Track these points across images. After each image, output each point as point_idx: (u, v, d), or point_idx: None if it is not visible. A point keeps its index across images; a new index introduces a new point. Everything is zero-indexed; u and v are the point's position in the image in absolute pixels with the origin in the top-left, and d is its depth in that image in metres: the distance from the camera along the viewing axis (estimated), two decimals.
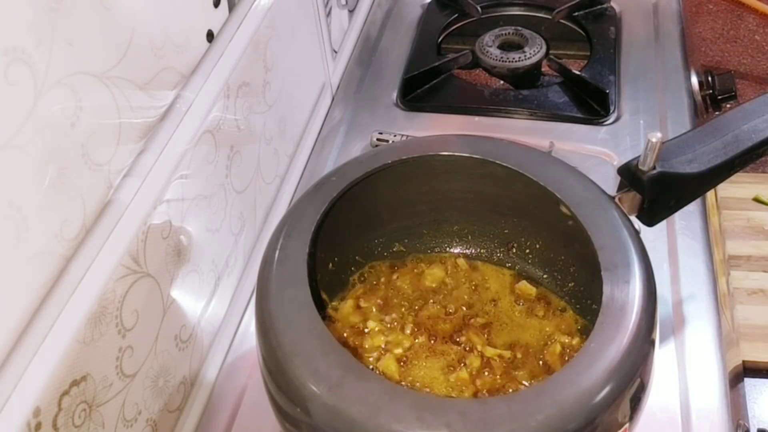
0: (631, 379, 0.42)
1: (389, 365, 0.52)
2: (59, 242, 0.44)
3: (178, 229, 0.56)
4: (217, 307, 0.64)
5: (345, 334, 0.54)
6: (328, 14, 0.88)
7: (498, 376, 0.51)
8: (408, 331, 0.54)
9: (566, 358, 0.52)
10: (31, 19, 0.40)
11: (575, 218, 0.50)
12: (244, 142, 0.67)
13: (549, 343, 0.54)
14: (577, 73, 0.88)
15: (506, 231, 0.61)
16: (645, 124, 0.83)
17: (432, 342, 0.54)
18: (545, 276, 0.60)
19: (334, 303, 0.57)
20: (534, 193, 0.53)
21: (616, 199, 0.52)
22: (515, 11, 1.03)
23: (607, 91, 0.85)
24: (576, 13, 1.00)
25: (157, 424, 0.55)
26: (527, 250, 0.60)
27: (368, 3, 1.05)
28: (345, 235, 0.58)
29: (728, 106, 0.90)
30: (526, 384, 0.51)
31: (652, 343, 0.45)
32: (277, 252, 0.49)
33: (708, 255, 0.70)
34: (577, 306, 0.57)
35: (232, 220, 0.65)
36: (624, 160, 0.53)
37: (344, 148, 0.84)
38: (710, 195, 0.84)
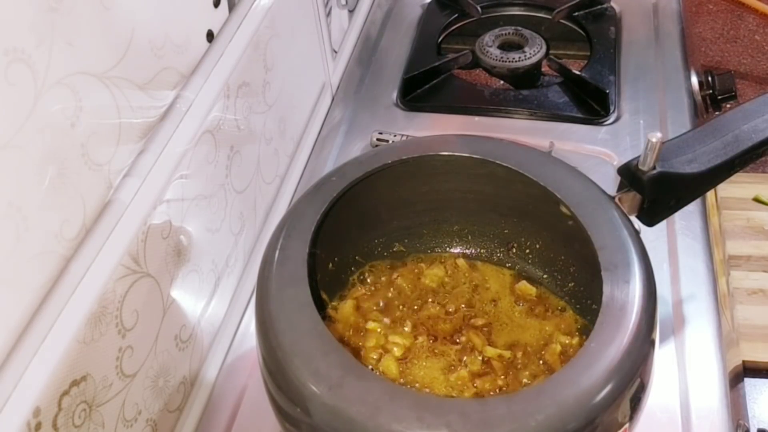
0: (631, 379, 0.42)
1: (389, 365, 0.52)
2: (59, 242, 0.44)
3: (178, 229, 0.56)
4: (217, 307, 0.64)
5: (345, 334, 0.54)
6: (328, 14, 0.88)
7: (498, 376, 0.51)
8: (408, 331, 0.54)
9: (566, 358, 0.52)
10: (31, 19, 0.40)
11: (575, 218, 0.50)
12: (244, 142, 0.67)
13: (549, 343, 0.54)
14: (577, 73, 0.88)
15: (506, 231, 0.61)
16: (645, 124, 0.83)
17: (432, 342, 0.54)
18: (545, 276, 0.60)
19: (334, 303, 0.57)
20: (534, 193, 0.53)
21: (616, 199, 0.52)
22: (515, 11, 1.03)
23: (607, 91, 0.85)
24: (576, 13, 1.00)
25: (157, 424, 0.55)
26: (527, 250, 0.60)
27: (368, 3, 1.05)
28: (345, 235, 0.58)
29: (728, 106, 0.90)
30: (526, 384, 0.51)
31: (652, 343, 0.45)
32: (277, 252, 0.49)
33: (708, 255, 0.70)
34: (577, 306, 0.57)
35: (232, 220, 0.65)
36: (624, 160, 0.53)
37: (344, 148, 0.84)
38: (710, 195, 0.84)
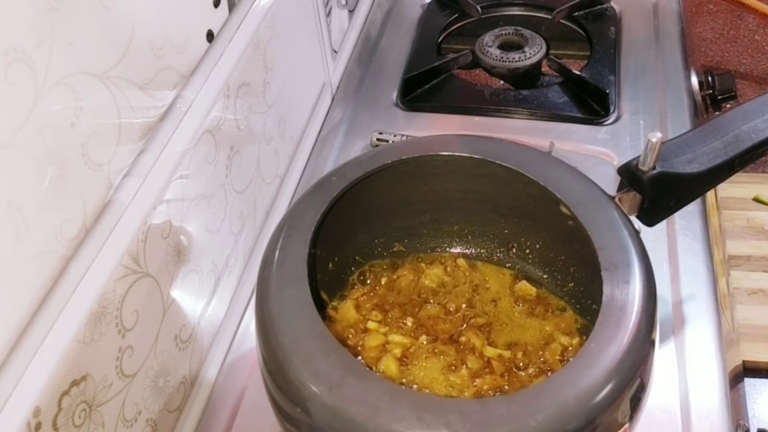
0: (631, 379, 0.42)
1: (389, 365, 0.52)
2: (59, 242, 0.44)
3: (178, 229, 0.56)
4: (217, 307, 0.64)
5: (345, 334, 0.54)
6: (328, 14, 0.88)
7: (498, 376, 0.51)
8: (408, 331, 0.54)
9: (566, 358, 0.52)
10: (31, 19, 0.40)
11: (575, 218, 0.50)
12: (244, 142, 0.67)
13: (549, 343, 0.54)
14: (577, 73, 0.88)
15: (506, 231, 0.61)
16: (645, 124, 0.83)
17: (432, 342, 0.54)
18: (545, 276, 0.60)
19: (334, 303, 0.57)
20: (534, 193, 0.53)
21: (616, 199, 0.52)
22: (515, 11, 1.03)
23: (607, 91, 0.85)
24: (576, 13, 1.00)
25: (157, 424, 0.55)
26: (527, 250, 0.60)
27: (368, 3, 1.05)
28: (345, 235, 0.58)
29: (728, 106, 0.90)
30: (526, 384, 0.51)
31: (652, 343, 0.45)
32: (277, 252, 0.49)
33: (708, 255, 0.70)
34: (577, 306, 0.57)
35: (232, 220, 0.65)
36: (624, 160, 0.53)
37: (344, 148, 0.84)
38: (710, 195, 0.84)
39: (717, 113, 0.90)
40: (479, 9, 1.01)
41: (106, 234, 0.47)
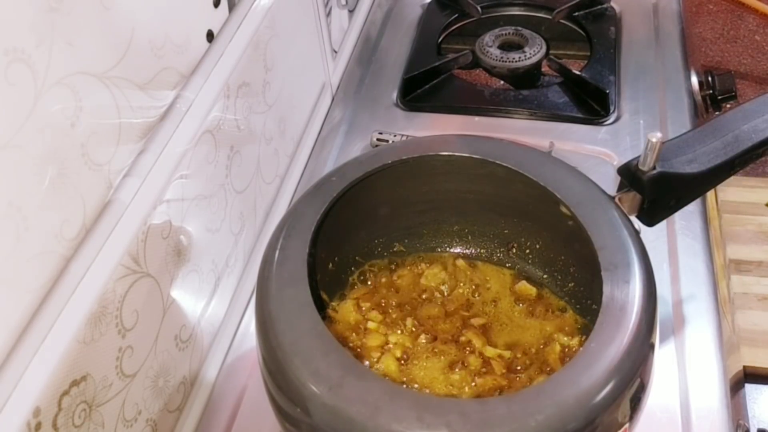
0: (631, 379, 0.42)
1: (389, 365, 0.52)
2: (59, 242, 0.44)
3: (178, 229, 0.56)
4: (217, 307, 0.64)
5: (345, 334, 0.54)
6: (328, 14, 0.88)
7: (498, 376, 0.51)
8: (408, 332, 0.54)
9: (566, 358, 0.52)
10: (31, 19, 0.40)
11: (575, 218, 0.50)
12: (244, 142, 0.67)
13: (549, 343, 0.54)
14: (577, 73, 0.88)
15: (506, 231, 0.61)
16: (645, 124, 0.83)
17: (432, 342, 0.54)
18: (545, 276, 0.60)
19: (334, 303, 0.57)
20: (534, 193, 0.53)
21: (616, 199, 0.51)
22: (515, 11, 1.03)
23: (607, 91, 0.85)
24: (576, 13, 1.00)
25: (157, 424, 0.55)
26: (527, 250, 0.60)
27: (368, 3, 1.05)
28: (345, 235, 0.58)
29: (728, 106, 0.90)
30: (526, 384, 0.51)
31: (652, 343, 0.45)
32: (277, 252, 0.49)
33: (708, 255, 0.70)
34: (577, 306, 0.57)
35: (232, 220, 0.65)
36: (624, 160, 0.53)
37: (344, 148, 0.84)
38: (711, 198, 0.84)
39: (717, 113, 0.90)
40: (479, 9, 1.01)
41: (106, 234, 0.47)
